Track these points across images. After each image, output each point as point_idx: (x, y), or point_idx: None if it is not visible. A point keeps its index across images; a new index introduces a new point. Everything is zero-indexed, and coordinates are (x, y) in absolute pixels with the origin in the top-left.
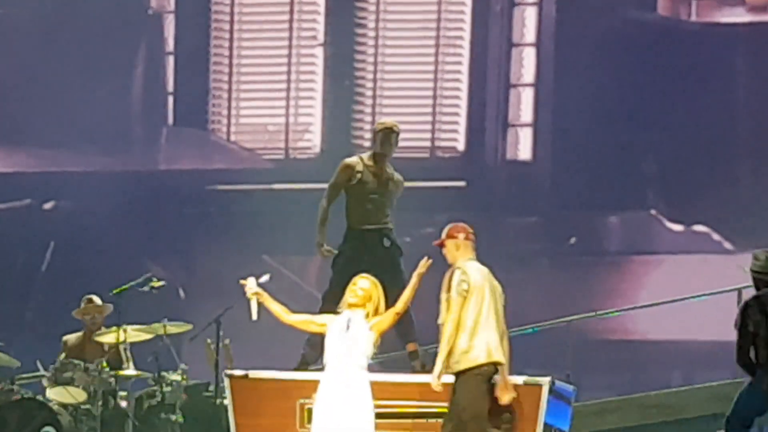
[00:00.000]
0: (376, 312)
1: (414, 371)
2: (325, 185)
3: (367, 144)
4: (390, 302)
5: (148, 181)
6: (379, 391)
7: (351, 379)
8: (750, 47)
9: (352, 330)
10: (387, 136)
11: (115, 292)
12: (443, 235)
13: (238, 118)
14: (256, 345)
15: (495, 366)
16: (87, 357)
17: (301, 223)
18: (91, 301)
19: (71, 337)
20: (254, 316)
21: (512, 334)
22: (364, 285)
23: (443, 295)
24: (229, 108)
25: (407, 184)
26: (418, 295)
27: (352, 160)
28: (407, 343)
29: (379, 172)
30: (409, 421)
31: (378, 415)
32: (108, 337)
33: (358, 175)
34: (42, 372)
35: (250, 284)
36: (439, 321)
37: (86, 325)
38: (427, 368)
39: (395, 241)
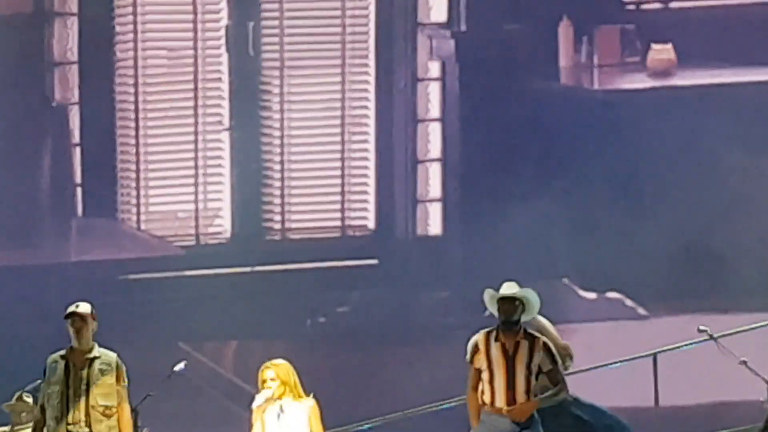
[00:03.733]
0: (296, 388)
1: None
2: (237, 269)
3: (278, 226)
4: None
5: (58, 273)
6: None
7: None
8: (653, 111)
9: (287, 415)
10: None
11: (5, 406)
12: None
13: (148, 206)
14: None
15: None
16: None
17: (214, 308)
18: (21, 398)
19: None
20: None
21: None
22: (271, 375)
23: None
24: (138, 197)
25: (318, 264)
26: None
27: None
28: None
29: None
30: None
31: None
32: None
33: None
34: None
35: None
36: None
37: (12, 420)
38: None
39: None
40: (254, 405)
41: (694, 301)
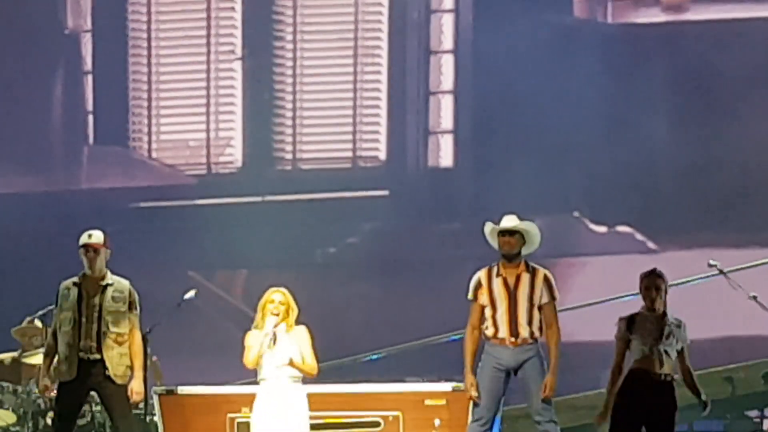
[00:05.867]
0: (296, 319)
1: None
2: (248, 199)
3: (289, 156)
4: None
5: (70, 200)
6: (315, 402)
7: (286, 392)
8: (667, 46)
9: (280, 344)
10: None
11: (14, 331)
12: None
13: (159, 134)
14: (185, 361)
15: None
16: (22, 377)
17: (224, 237)
18: (32, 323)
19: (4, 357)
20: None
21: (442, 340)
22: (279, 298)
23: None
24: (149, 125)
25: (329, 195)
26: None
27: None
28: None
29: None
30: (346, 431)
31: (314, 426)
32: (38, 359)
33: None
34: None
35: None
36: None
37: (23, 345)
38: None
39: None
40: (264, 330)
41: (705, 235)
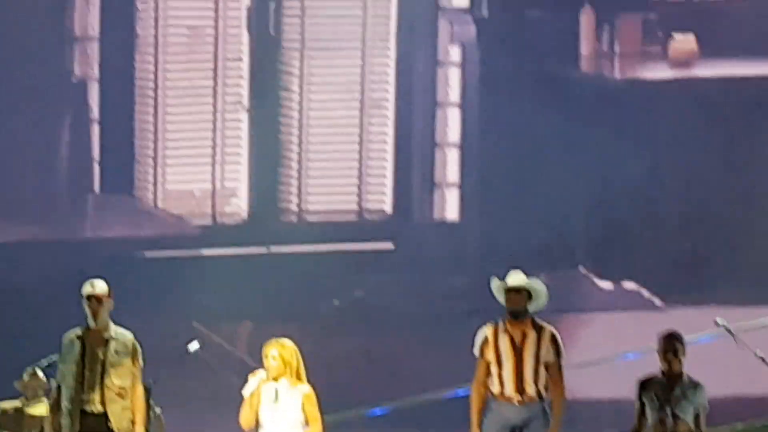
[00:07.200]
0: (297, 372)
1: None
2: (253, 249)
3: (294, 208)
4: None
5: (74, 250)
6: None
7: None
8: (674, 102)
9: (282, 401)
10: None
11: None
12: None
13: (165, 184)
14: (189, 413)
15: None
16: (24, 427)
17: (229, 288)
18: (35, 374)
19: (7, 407)
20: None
21: (447, 395)
22: (274, 353)
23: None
24: (155, 174)
25: (334, 247)
26: None
27: None
28: None
29: None
30: None
31: None
32: (41, 409)
33: None
34: None
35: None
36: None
37: (26, 395)
38: None
39: None
40: (245, 391)
41: (711, 292)
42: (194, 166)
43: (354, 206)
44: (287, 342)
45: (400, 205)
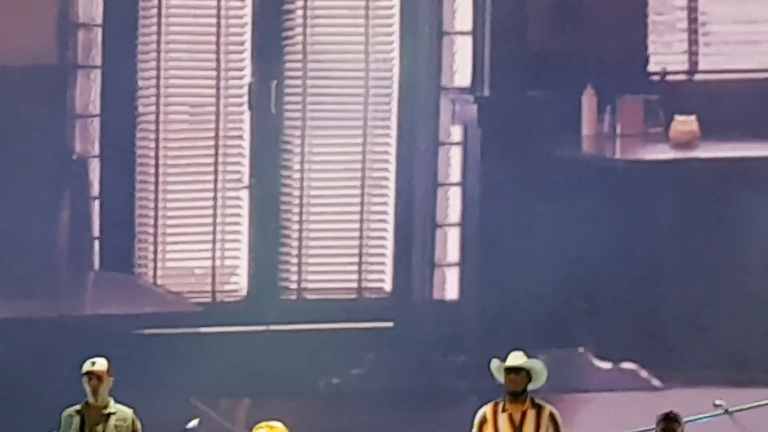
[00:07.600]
0: None
1: None
2: (252, 327)
3: (294, 286)
4: None
5: (74, 327)
6: None
7: None
8: (675, 183)
9: None
10: None
11: None
12: None
13: (165, 261)
14: None
15: None
16: None
17: (228, 366)
18: None
19: None
20: None
21: None
22: None
23: None
24: (155, 252)
25: (334, 325)
26: None
27: None
28: None
29: None
30: None
31: None
32: None
33: None
34: None
35: None
36: None
37: None
38: None
39: None
40: None
41: (710, 373)
42: (194, 243)
43: (354, 284)
44: (277, 423)
45: (400, 283)
